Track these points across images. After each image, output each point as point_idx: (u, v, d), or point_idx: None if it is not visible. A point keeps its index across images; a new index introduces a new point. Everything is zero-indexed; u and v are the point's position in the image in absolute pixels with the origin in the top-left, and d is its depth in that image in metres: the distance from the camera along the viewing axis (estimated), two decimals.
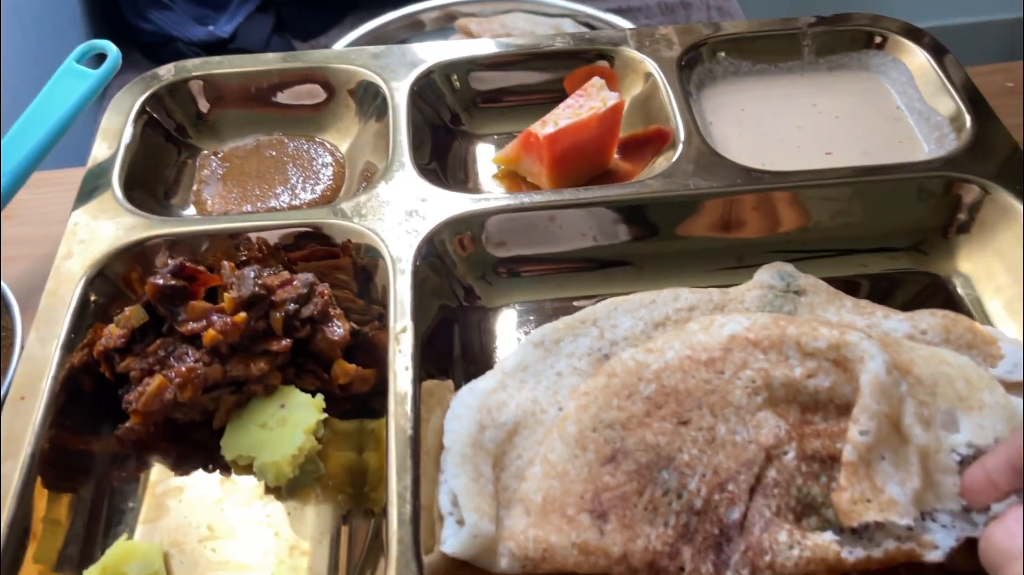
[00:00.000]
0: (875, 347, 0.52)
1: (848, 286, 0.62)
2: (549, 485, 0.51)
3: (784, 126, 0.72)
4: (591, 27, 1.49)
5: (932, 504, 0.48)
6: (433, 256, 0.61)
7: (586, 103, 0.70)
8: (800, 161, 0.68)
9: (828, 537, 0.47)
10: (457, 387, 0.57)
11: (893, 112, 0.72)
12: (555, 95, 0.75)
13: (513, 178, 0.73)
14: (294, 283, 0.57)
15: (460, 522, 0.49)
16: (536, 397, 0.57)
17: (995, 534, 0.42)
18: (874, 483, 0.48)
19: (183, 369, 0.52)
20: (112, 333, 0.55)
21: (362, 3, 1.58)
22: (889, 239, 0.64)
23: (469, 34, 1.49)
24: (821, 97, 0.74)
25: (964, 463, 0.49)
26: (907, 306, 0.59)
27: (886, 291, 0.63)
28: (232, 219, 0.64)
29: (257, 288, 0.55)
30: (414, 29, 1.52)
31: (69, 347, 0.56)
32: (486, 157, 0.75)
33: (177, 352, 0.54)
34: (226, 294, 0.55)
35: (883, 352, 0.52)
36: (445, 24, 1.54)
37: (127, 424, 0.55)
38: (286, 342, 0.55)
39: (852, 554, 0.47)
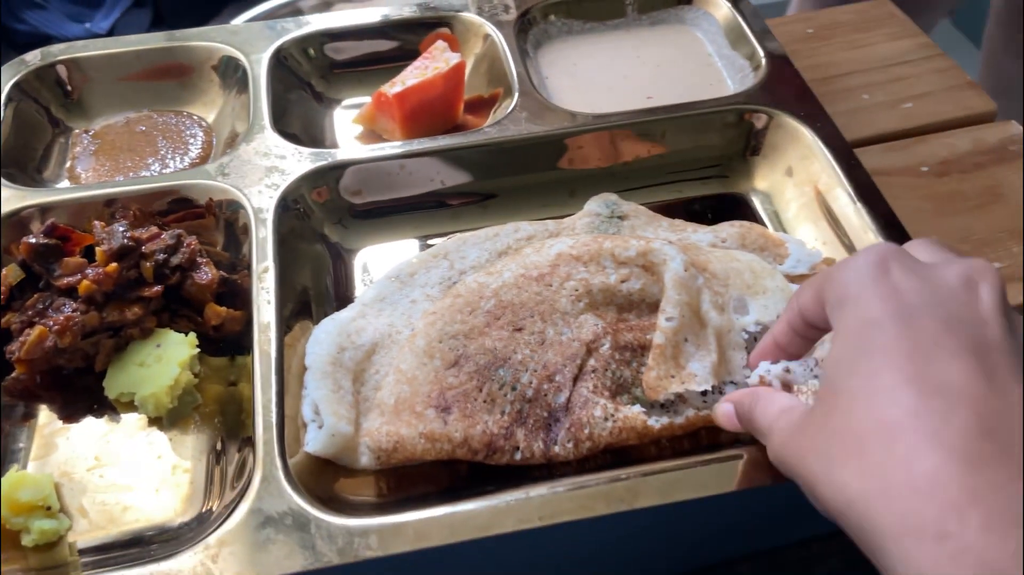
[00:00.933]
0: (674, 250, 0.61)
1: (667, 209, 0.71)
2: (400, 390, 0.58)
3: (611, 76, 0.81)
4: None
5: (724, 377, 0.57)
6: (293, 206, 0.67)
7: (431, 64, 0.77)
8: (625, 105, 0.76)
9: (637, 409, 0.56)
10: (315, 319, 0.63)
11: (705, 59, 0.82)
12: (407, 60, 0.82)
13: (372, 136, 0.79)
14: (162, 236, 0.62)
15: (321, 427, 0.56)
16: (392, 322, 0.64)
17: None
18: (678, 362, 0.57)
19: (61, 318, 0.57)
20: None
21: None
22: (699, 166, 0.74)
23: None
24: (644, 49, 0.83)
25: (752, 340, 0.59)
26: (715, 222, 0.69)
27: (698, 211, 0.72)
28: (102, 186, 0.69)
29: (126, 240, 0.60)
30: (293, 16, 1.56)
31: None
32: (346, 121, 0.81)
33: (55, 304, 0.59)
34: (97, 248, 0.60)
35: (681, 254, 0.60)
36: (323, 11, 1.59)
37: (13, 375, 0.59)
38: (157, 288, 0.60)
39: (658, 422, 0.56)
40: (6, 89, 0.76)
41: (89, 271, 0.59)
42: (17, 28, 1.51)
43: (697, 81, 0.80)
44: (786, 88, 0.74)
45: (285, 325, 0.60)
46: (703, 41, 0.84)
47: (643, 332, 0.60)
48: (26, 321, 0.58)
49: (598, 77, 0.80)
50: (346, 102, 0.83)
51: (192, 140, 0.77)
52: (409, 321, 0.64)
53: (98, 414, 0.61)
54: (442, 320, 0.61)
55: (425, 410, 0.57)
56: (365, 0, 1.56)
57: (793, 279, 0.65)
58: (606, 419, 0.56)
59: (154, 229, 0.63)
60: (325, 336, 0.61)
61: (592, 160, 0.73)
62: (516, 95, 0.75)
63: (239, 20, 1.52)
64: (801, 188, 0.70)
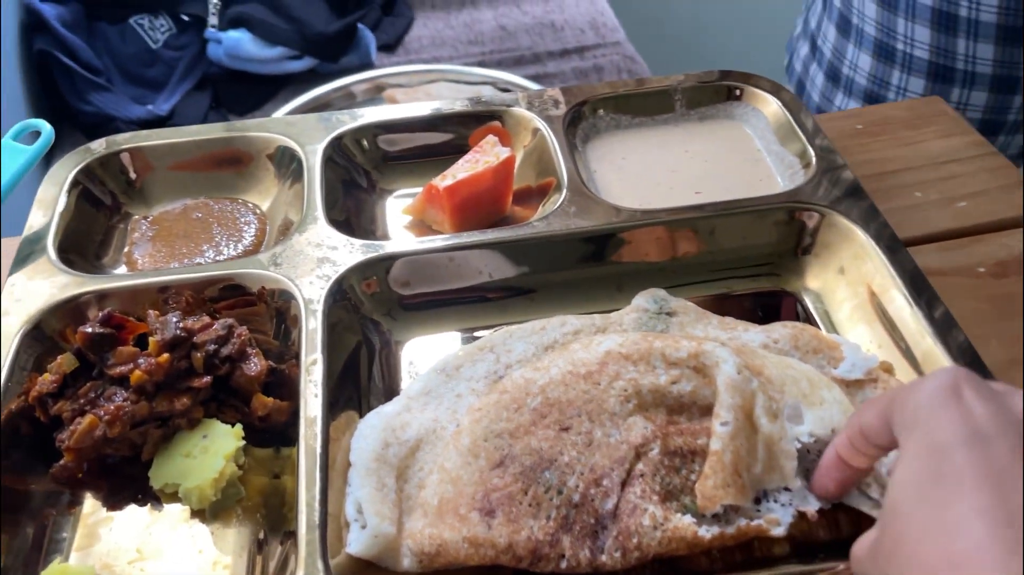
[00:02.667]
0: (726, 352, 0.60)
1: (715, 306, 0.70)
2: (444, 490, 0.57)
3: (660, 171, 0.81)
4: (510, 92, 1.59)
5: (775, 484, 0.56)
6: (342, 297, 0.68)
7: (481, 158, 0.78)
8: (673, 200, 0.77)
9: (687, 519, 0.54)
10: (365, 414, 0.63)
11: (754, 155, 0.82)
12: (458, 152, 0.83)
13: (421, 227, 0.80)
14: (214, 326, 0.63)
15: (364, 527, 0.55)
16: (437, 416, 0.63)
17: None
18: (735, 470, 0.55)
19: (111, 407, 0.58)
20: (45, 379, 0.61)
21: (294, 79, 1.68)
22: (748, 263, 0.73)
23: (395, 103, 1.58)
24: (692, 144, 0.84)
25: (804, 451, 0.57)
26: (765, 321, 0.68)
27: (748, 308, 0.72)
28: (158, 273, 0.70)
29: (178, 331, 0.61)
30: (345, 100, 1.62)
31: (7, 395, 0.61)
32: (396, 211, 0.82)
33: (106, 393, 0.60)
34: (151, 338, 0.61)
35: (734, 356, 0.59)
36: (375, 95, 1.64)
37: (61, 462, 0.60)
38: (207, 379, 0.61)
39: (709, 532, 0.54)
40: (71, 176, 0.78)
41: (141, 361, 0.60)
42: (83, 109, 1.58)
43: (746, 177, 0.80)
44: (837, 186, 0.73)
45: (331, 417, 0.60)
46: (752, 137, 0.84)
47: (694, 437, 0.58)
48: (77, 409, 0.59)
49: (646, 172, 0.81)
50: (397, 192, 0.84)
51: (246, 227, 0.79)
52: (454, 416, 0.63)
53: (142, 503, 0.61)
54: (487, 417, 0.60)
55: (469, 513, 0.56)
56: (416, 86, 1.61)
57: (848, 384, 0.63)
58: (655, 528, 0.54)
59: (206, 319, 0.64)
60: (370, 431, 0.61)
61: (640, 255, 0.73)
62: (564, 190, 0.75)
63: (294, 104, 1.57)
64: (854, 288, 0.69)
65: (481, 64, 1.69)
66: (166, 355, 0.60)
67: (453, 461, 0.59)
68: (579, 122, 0.84)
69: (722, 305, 0.72)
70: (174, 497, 0.60)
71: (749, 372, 0.59)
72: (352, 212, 0.80)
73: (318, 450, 0.57)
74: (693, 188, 0.79)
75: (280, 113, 1.52)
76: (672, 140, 0.84)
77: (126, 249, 0.78)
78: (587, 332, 0.69)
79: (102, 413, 0.57)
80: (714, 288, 0.73)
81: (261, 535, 0.59)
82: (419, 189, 0.80)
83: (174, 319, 0.62)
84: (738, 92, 0.85)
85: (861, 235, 0.69)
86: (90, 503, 0.61)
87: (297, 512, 0.54)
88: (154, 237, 0.79)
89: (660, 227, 0.73)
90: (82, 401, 0.59)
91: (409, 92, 1.61)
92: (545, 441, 0.59)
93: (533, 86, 1.51)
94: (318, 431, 0.58)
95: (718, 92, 0.86)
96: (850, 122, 0.91)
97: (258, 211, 0.81)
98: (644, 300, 0.70)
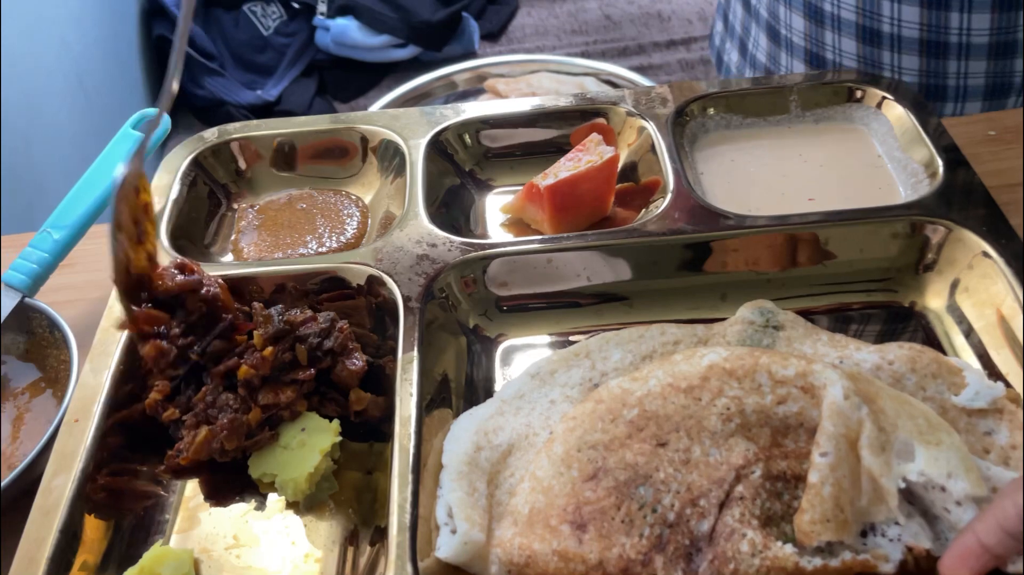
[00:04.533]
0: (835, 374, 0.57)
1: (825, 322, 0.66)
2: (535, 499, 0.56)
3: (771, 175, 0.78)
4: (613, 84, 1.57)
5: (883, 517, 0.52)
6: (440, 295, 0.68)
7: (584, 157, 0.76)
8: (785, 207, 0.73)
9: (788, 549, 0.52)
10: (458, 414, 0.63)
11: (873, 161, 0.77)
12: (559, 149, 0.82)
13: (519, 226, 0.79)
14: (317, 319, 0.64)
15: (454, 531, 0.55)
16: (530, 422, 0.63)
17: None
18: (836, 504, 0.52)
19: (226, 421, 0.59)
20: (159, 390, 0.62)
21: (398, 67, 1.70)
22: (864, 277, 0.69)
23: (497, 93, 1.58)
24: (807, 148, 0.80)
25: (907, 491, 0.53)
26: (880, 339, 0.64)
27: (861, 326, 0.68)
28: (265, 264, 0.72)
29: (282, 324, 0.62)
30: (447, 90, 1.62)
31: (118, 376, 0.63)
32: (495, 207, 0.82)
33: (219, 401, 0.61)
34: (255, 332, 0.62)
35: (844, 379, 0.56)
36: (476, 84, 1.64)
37: (174, 462, 0.61)
38: (311, 372, 0.62)
39: (810, 563, 0.51)
40: (185, 164, 0.81)
41: (246, 355, 0.61)
42: (196, 93, 1.63)
43: (864, 185, 0.75)
44: (966, 198, 0.68)
45: (424, 417, 0.60)
46: (872, 142, 0.79)
47: (798, 461, 0.56)
48: (192, 422, 0.60)
49: (757, 176, 0.78)
50: (497, 189, 0.84)
51: (349, 220, 0.80)
52: (547, 422, 0.63)
53: (240, 492, 0.62)
54: (582, 427, 0.59)
55: (560, 525, 0.54)
56: (518, 76, 1.60)
57: (970, 413, 0.59)
58: (753, 555, 0.52)
59: (308, 312, 0.65)
60: (463, 434, 0.60)
61: (746, 264, 0.70)
62: (670, 193, 0.73)
63: (396, 92, 1.58)
64: (980, 310, 0.64)
65: (584, 54, 1.67)
66: (270, 348, 0.61)
67: (545, 470, 0.58)
68: (687, 121, 0.81)
69: (833, 321, 0.69)
70: (271, 487, 0.61)
71: (858, 399, 0.56)
72: (452, 208, 0.79)
73: (411, 450, 0.57)
74: (806, 195, 0.75)
75: (383, 101, 1.53)
76: (785, 143, 0.81)
77: (233, 237, 0.80)
78: (688, 343, 0.66)
79: (218, 429, 0.59)
80: (825, 302, 0.70)
81: (352, 530, 0.59)
82: (519, 186, 0.79)
83: (276, 312, 0.63)
84: (859, 94, 0.81)
85: (991, 252, 0.64)
86: (191, 487, 0.62)
87: (389, 512, 0.54)
88: (260, 226, 0.80)
89: (770, 235, 0.69)
90: (200, 406, 0.60)
91: (511, 82, 1.60)
92: (641, 455, 0.57)
93: (637, 78, 1.48)
94: (412, 431, 0.58)
95: (837, 93, 0.81)
96: (981, 127, 0.85)
97: (361, 203, 0.82)
98: (750, 312, 0.67)
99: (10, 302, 0.69)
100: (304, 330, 0.63)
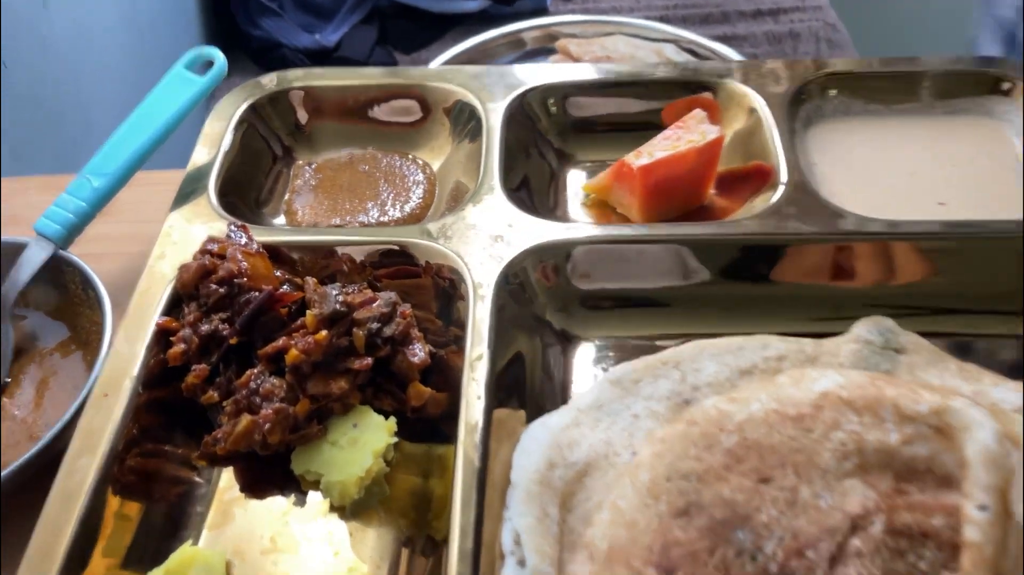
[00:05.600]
0: (982, 414, 0.48)
1: (952, 347, 0.58)
2: (616, 533, 0.49)
3: (895, 172, 0.68)
4: (694, 54, 1.46)
5: None
6: (515, 284, 0.60)
7: (685, 135, 0.68)
8: (910, 210, 0.64)
9: None
10: (529, 419, 0.56)
11: (1015, 163, 0.68)
12: (652, 125, 0.73)
13: (602, 208, 0.71)
14: (377, 302, 0.56)
15: (521, 562, 0.48)
16: (610, 438, 0.55)
17: None
18: (996, 566, 0.44)
19: (270, 412, 0.52)
20: (196, 374, 0.56)
21: (465, 19, 1.60)
22: (1000, 300, 0.60)
23: (569, 55, 1.48)
24: (938, 143, 0.70)
25: None
26: (1016, 374, 0.55)
27: (993, 356, 0.59)
28: (320, 232, 0.65)
29: (339, 306, 0.55)
30: (514, 48, 1.52)
31: (155, 347, 0.57)
32: (576, 184, 0.74)
33: (263, 388, 0.54)
34: (309, 312, 0.55)
35: (991, 419, 0.48)
36: (546, 43, 1.54)
37: (211, 449, 0.55)
38: (367, 360, 0.55)
39: None
40: (239, 112, 0.73)
41: (296, 337, 0.54)
42: (253, 34, 1.56)
43: (1004, 191, 0.66)
44: None
45: (493, 423, 0.53)
46: (1014, 141, 0.69)
47: (927, 514, 0.48)
48: (233, 409, 0.53)
49: (878, 172, 0.68)
50: (579, 165, 0.75)
51: (414, 187, 0.72)
52: (630, 441, 0.55)
53: (280, 488, 0.55)
54: (672, 452, 0.52)
55: (644, 567, 0.47)
56: (591, 39, 1.49)
57: None
58: None
59: (368, 292, 0.58)
60: (535, 447, 0.53)
61: (864, 274, 0.61)
62: (782, 185, 0.64)
63: (461, 47, 1.49)
64: None
65: (663, 19, 1.56)
66: (324, 332, 0.54)
67: (628, 500, 0.50)
68: (802, 103, 0.72)
69: (957, 348, 0.60)
70: (315, 485, 0.54)
71: (1009, 443, 0.48)
72: (530, 182, 0.71)
73: (477, 463, 0.50)
74: (936, 198, 0.66)
75: (446, 56, 1.44)
76: (912, 136, 0.71)
77: (287, 197, 0.73)
78: (794, 360, 0.58)
79: (261, 421, 0.52)
80: (951, 324, 0.61)
81: (404, 543, 0.53)
82: (603, 163, 0.71)
83: (334, 291, 0.56)
84: (1006, 86, 0.70)
85: None
86: (227, 477, 0.56)
87: (450, 538, 0.47)
88: (316, 187, 0.73)
89: (893, 243, 0.60)
90: (244, 392, 0.54)
91: (584, 44, 1.49)
92: (740, 492, 0.49)
93: (722, 48, 1.37)
94: (478, 440, 0.51)
95: (979, 83, 0.71)
96: None
97: (428, 170, 0.74)
98: (866, 330, 0.58)
99: (42, 254, 0.63)
100: (363, 313, 0.56)
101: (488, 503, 0.49)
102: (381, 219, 0.70)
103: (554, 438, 0.54)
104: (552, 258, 0.61)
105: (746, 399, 0.54)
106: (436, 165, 0.75)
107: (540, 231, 0.62)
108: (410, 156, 0.75)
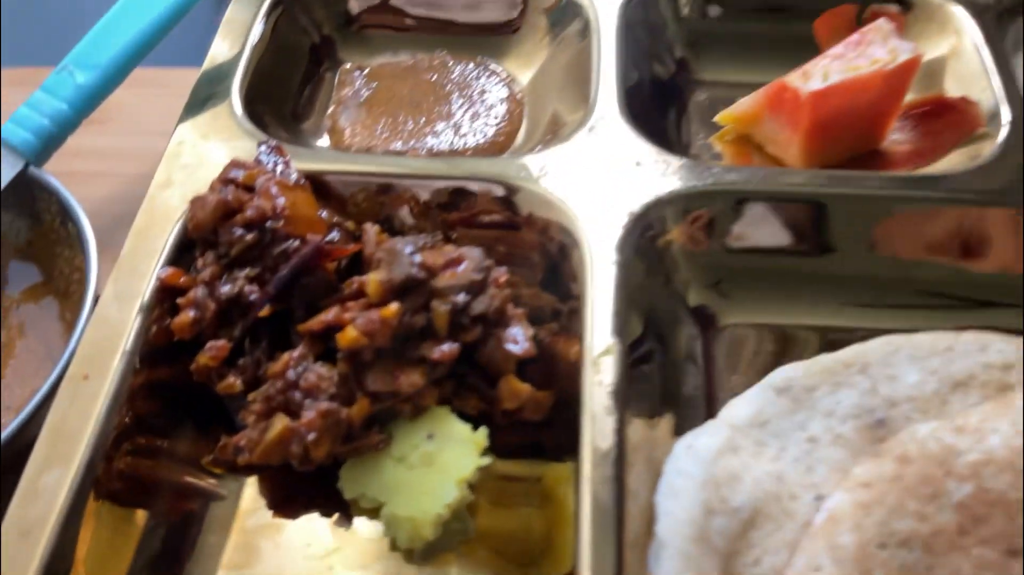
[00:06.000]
0: None
1: None
2: None
3: None
4: None
5: None
6: (647, 246, 0.44)
7: (868, 53, 0.50)
8: None
9: None
10: (667, 435, 0.41)
11: None
12: (797, 40, 0.56)
13: (743, 144, 0.55)
14: (463, 264, 0.40)
15: None
16: (781, 472, 0.40)
17: None
18: None
19: (315, 414, 0.37)
20: (213, 355, 0.40)
21: None
22: None
23: None
24: None
25: None
26: None
27: None
28: (379, 160, 0.49)
29: (415, 269, 0.39)
30: None
31: (155, 310, 0.41)
32: (705, 111, 0.57)
33: (306, 380, 0.38)
34: (371, 275, 0.39)
35: None
36: None
37: (225, 454, 0.40)
38: (452, 347, 0.39)
39: None
40: None
41: (353, 315, 0.38)
42: None
43: None
44: None
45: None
46: None
47: None
48: (265, 408, 0.38)
49: None
50: (709, 88, 0.58)
51: (496, 107, 0.56)
52: (809, 478, 0.40)
53: (323, 510, 0.41)
54: (883, 506, 0.37)
55: None
56: None
57: None
58: None
59: (448, 249, 0.42)
60: (685, 484, 0.38)
61: None
62: (1005, 128, 0.47)
63: None
64: None
65: None
66: (394, 306, 0.38)
67: (827, 573, 0.35)
68: (1012, 19, 0.55)
69: None
70: (372, 512, 0.39)
71: None
72: (653, 108, 0.54)
73: (612, 507, 0.35)
74: None
75: None
76: None
77: (330, 110, 0.57)
78: None
79: (303, 427, 0.37)
80: None
81: None
82: (738, 84, 0.55)
83: (408, 247, 0.40)
84: None
85: None
86: (251, 496, 0.41)
87: None
88: (370, 99, 0.56)
89: None
90: (279, 385, 0.38)
91: None
92: (985, 570, 0.35)
93: None
94: (610, 473, 0.36)
95: None
96: None
97: (514, 86, 0.57)
98: None
99: (9, 171, 0.47)
100: (445, 280, 0.40)
101: (625, 564, 0.35)
102: (454, 147, 0.53)
103: (708, 471, 0.39)
104: (702, 213, 0.45)
105: (978, 429, 0.39)
106: (525, 79, 0.58)
107: (682, 174, 0.45)
108: (491, 66, 0.58)
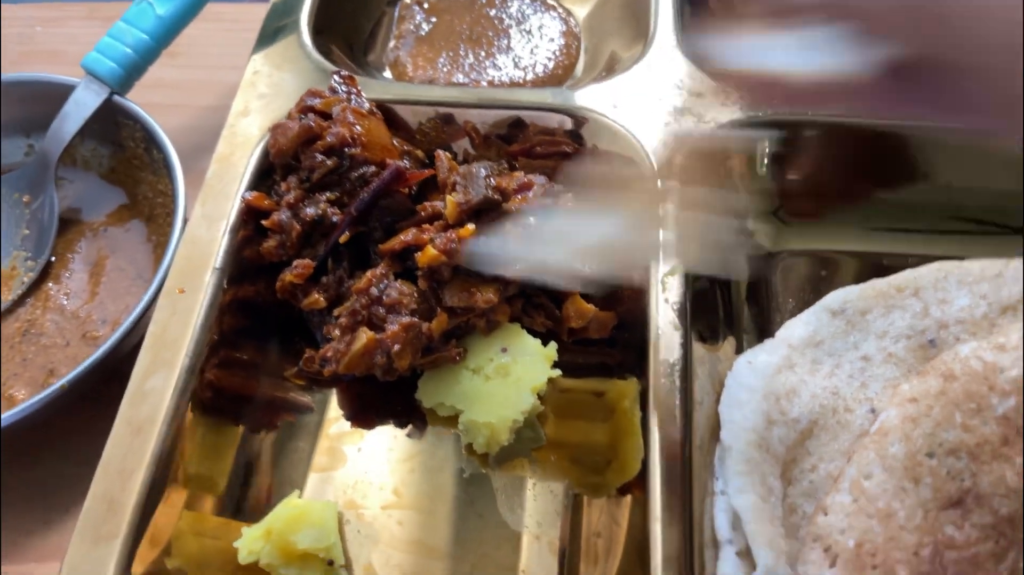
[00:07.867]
0: None
1: None
2: (866, 527, 0.37)
3: None
4: None
5: None
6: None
7: None
8: None
9: None
10: (727, 353, 0.43)
11: None
12: None
13: None
14: (533, 188, 0.42)
15: (742, 552, 0.36)
16: (836, 387, 0.42)
17: None
18: None
19: (398, 327, 0.39)
20: (298, 273, 0.42)
21: None
22: None
23: None
24: None
25: None
26: None
27: None
28: (445, 91, 0.50)
29: (490, 191, 0.41)
30: None
31: (242, 229, 0.44)
32: None
33: (389, 296, 0.41)
34: (450, 198, 0.41)
35: None
36: None
37: (318, 369, 0.42)
38: None
39: None
40: None
41: (431, 235, 0.40)
42: None
43: None
44: None
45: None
46: None
47: None
48: (350, 322, 0.40)
49: None
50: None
51: (553, 40, 0.56)
52: (863, 393, 0.42)
53: (403, 421, 0.44)
54: (931, 418, 0.39)
55: None
56: None
57: None
58: None
59: (519, 175, 0.44)
60: (747, 396, 0.40)
61: None
62: None
63: None
64: None
65: None
66: (470, 226, 0.40)
67: (878, 480, 0.38)
68: None
69: None
70: (447, 421, 0.42)
71: None
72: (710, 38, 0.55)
73: (679, 420, 0.37)
74: None
75: None
76: None
77: (391, 44, 0.58)
78: None
79: (387, 339, 0.39)
80: None
81: (567, 502, 0.41)
82: None
83: (483, 172, 0.42)
84: None
85: None
86: (336, 406, 0.44)
87: (649, 531, 0.35)
88: (430, 35, 0.58)
89: None
90: (364, 301, 0.40)
91: None
92: None
93: None
94: (678, 384, 0.38)
95: None
96: None
97: (571, 21, 0.58)
98: None
99: (94, 99, 0.49)
100: (517, 203, 0.42)
101: (693, 465, 0.37)
102: (515, 79, 0.55)
103: (768, 384, 0.41)
104: (755, 143, 0.47)
105: (1017, 347, 0.40)
106: (581, 14, 0.59)
107: (741, 104, 0.47)
108: (550, 1, 0.59)
